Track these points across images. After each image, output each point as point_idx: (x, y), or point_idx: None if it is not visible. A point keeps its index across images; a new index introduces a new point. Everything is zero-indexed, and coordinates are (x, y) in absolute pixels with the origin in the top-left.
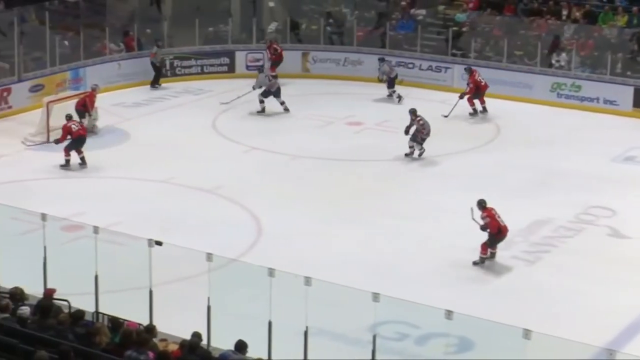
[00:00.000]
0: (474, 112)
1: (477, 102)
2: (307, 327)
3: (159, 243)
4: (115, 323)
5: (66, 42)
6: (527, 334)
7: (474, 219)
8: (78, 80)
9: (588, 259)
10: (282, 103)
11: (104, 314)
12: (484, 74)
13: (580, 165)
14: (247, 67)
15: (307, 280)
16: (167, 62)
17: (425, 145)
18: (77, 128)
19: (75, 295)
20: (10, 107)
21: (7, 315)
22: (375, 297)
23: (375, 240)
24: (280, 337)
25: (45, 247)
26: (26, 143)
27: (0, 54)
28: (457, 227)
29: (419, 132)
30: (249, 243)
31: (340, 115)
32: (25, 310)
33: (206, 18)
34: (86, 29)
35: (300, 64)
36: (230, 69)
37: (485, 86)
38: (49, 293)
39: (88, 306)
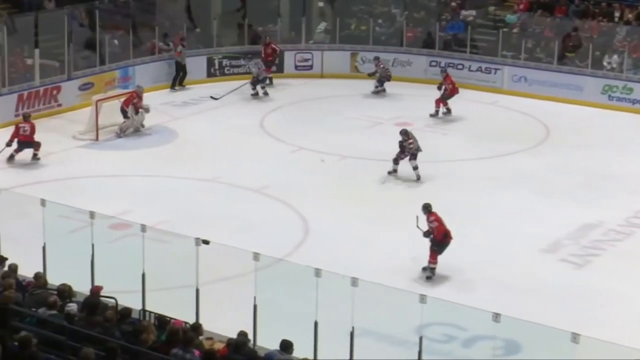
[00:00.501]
0: (435, 114)
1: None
2: (353, 328)
3: (206, 242)
4: (162, 321)
5: (116, 41)
6: (575, 337)
7: (418, 227)
8: (127, 79)
9: (638, 262)
10: (263, 87)
11: (150, 312)
12: (535, 76)
13: (631, 168)
14: (296, 67)
15: (354, 281)
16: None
17: (475, 146)
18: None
19: (123, 293)
20: (59, 105)
21: (55, 312)
22: (422, 298)
23: (422, 241)
24: (326, 337)
25: (93, 245)
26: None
27: (50, 52)
28: (505, 229)
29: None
30: (295, 243)
31: (388, 115)
32: (72, 307)
33: (256, 17)
34: (136, 28)
35: (349, 64)
36: (279, 68)
37: (456, 90)
38: (96, 290)
39: (135, 304)
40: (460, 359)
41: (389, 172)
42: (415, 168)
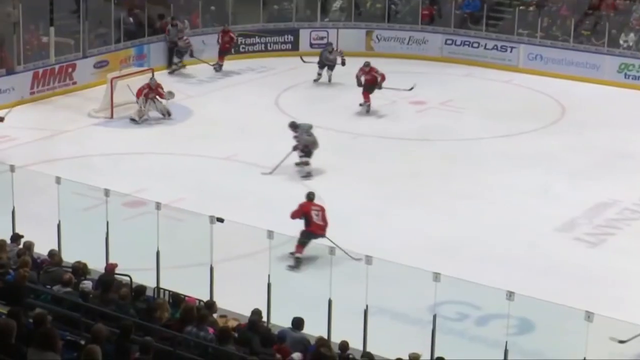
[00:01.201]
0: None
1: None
2: (367, 306)
3: (220, 220)
4: (176, 299)
5: (131, 19)
6: (588, 316)
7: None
8: (142, 57)
9: None
10: (177, 63)
11: (165, 290)
12: (551, 54)
13: None
14: (311, 45)
15: (368, 259)
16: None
17: (490, 125)
18: None
19: (137, 271)
20: (74, 83)
21: (69, 289)
22: (436, 276)
23: (437, 220)
24: (340, 315)
25: (107, 223)
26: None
27: (65, 30)
28: (520, 208)
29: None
30: None
31: (403, 94)
32: (87, 284)
33: None
34: (151, 6)
35: (364, 42)
36: (294, 46)
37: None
38: (110, 268)
39: (149, 282)
40: (474, 337)
41: (296, 164)
42: (300, 164)
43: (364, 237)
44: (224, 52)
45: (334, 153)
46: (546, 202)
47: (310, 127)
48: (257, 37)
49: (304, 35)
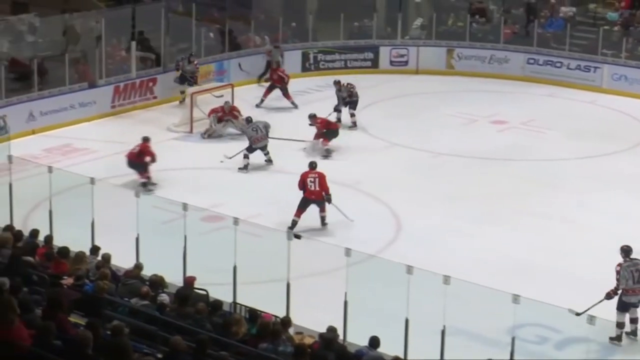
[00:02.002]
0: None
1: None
2: (444, 326)
3: (297, 236)
4: (253, 314)
5: (211, 34)
6: None
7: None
8: (222, 72)
9: None
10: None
11: (241, 305)
12: (636, 75)
13: None
14: (391, 62)
15: (446, 279)
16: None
17: (573, 145)
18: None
19: (214, 285)
20: (155, 98)
21: (147, 302)
22: (515, 298)
23: (517, 240)
24: (417, 335)
25: (185, 237)
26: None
27: (146, 44)
28: (601, 230)
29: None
30: (387, 239)
31: (484, 113)
32: (164, 297)
33: (351, 12)
34: (232, 21)
35: (444, 60)
36: (374, 64)
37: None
38: (189, 281)
39: (226, 297)
40: None
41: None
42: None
43: (442, 256)
44: (270, 88)
45: (413, 171)
46: (626, 225)
47: (266, 125)
48: (337, 54)
49: (384, 53)
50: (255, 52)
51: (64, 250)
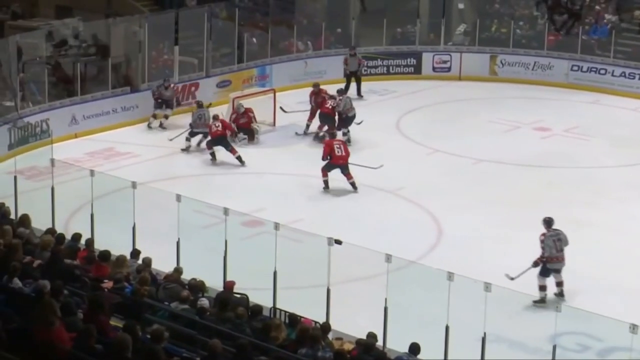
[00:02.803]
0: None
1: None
2: (485, 333)
3: (338, 242)
4: (293, 319)
5: (254, 39)
6: None
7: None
8: (264, 77)
9: None
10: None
11: (281, 310)
12: None
13: None
14: (434, 69)
15: (487, 286)
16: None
17: (616, 153)
18: (215, 129)
19: (254, 290)
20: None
21: (187, 306)
22: (557, 306)
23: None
24: (458, 342)
25: (226, 242)
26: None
27: (189, 49)
28: None
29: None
30: (428, 245)
31: (527, 120)
32: (205, 301)
33: (394, 18)
34: (274, 27)
35: (488, 67)
36: (417, 70)
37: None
38: (229, 286)
39: (266, 301)
40: None
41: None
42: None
43: (482, 263)
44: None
45: (455, 178)
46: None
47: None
48: (379, 60)
49: (427, 59)
50: (296, 57)
51: (105, 254)
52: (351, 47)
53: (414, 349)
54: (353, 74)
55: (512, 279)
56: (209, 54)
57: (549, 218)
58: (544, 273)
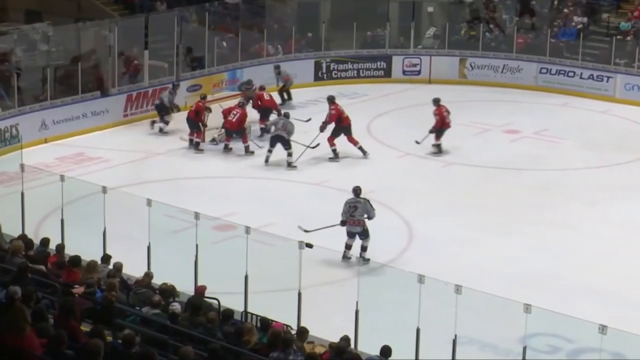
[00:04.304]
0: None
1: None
2: (455, 336)
3: (309, 245)
4: (264, 323)
5: (224, 43)
6: None
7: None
8: (235, 81)
9: None
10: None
11: (252, 314)
12: None
13: None
14: (404, 72)
15: (458, 288)
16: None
17: (586, 155)
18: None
19: (225, 294)
20: None
21: (158, 311)
22: (527, 308)
23: (529, 250)
24: (429, 344)
25: (197, 246)
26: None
27: (159, 53)
28: (614, 240)
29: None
30: (399, 248)
31: (497, 122)
32: (176, 306)
33: (364, 22)
34: (245, 31)
35: (457, 70)
36: (387, 73)
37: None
38: (200, 290)
39: (237, 306)
40: None
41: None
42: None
43: (453, 266)
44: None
45: (426, 181)
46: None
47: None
48: (349, 63)
49: (397, 62)
50: (267, 61)
51: (76, 259)
52: (275, 65)
53: (385, 351)
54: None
55: (307, 231)
56: (179, 58)
57: (357, 187)
58: (348, 234)
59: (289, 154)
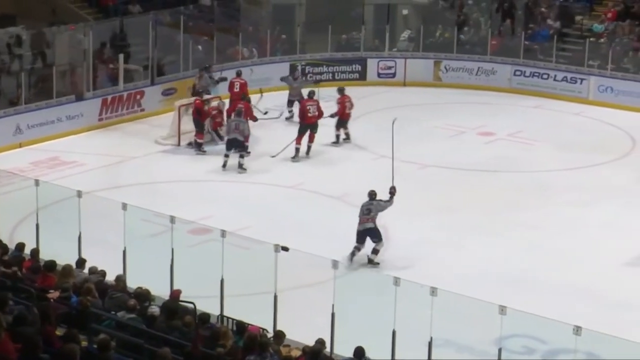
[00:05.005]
0: (337, 141)
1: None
2: (431, 338)
3: (285, 249)
4: (240, 327)
5: (199, 47)
6: None
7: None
8: None
9: None
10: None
11: (228, 318)
12: (621, 86)
13: None
14: (379, 74)
15: (433, 291)
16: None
17: (560, 157)
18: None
19: (201, 298)
20: (142, 110)
21: (134, 315)
22: (502, 309)
23: (505, 251)
24: (404, 346)
25: (172, 250)
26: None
27: (134, 57)
28: (589, 240)
29: None
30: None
31: (471, 125)
32: (155, 309)
33: (339, 25)
34: (220, 34)
35: (432, 72)
36: (362, 76)
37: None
38: (175, 295)
39: (213, 309)
40: None
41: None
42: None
43: (430, 268)
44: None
45: (400, 183)
46: (616, 236)
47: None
48: (324, 66)
49: (372, 65)
50: (241, 64)
51: (51, 264)
52: (204, 66)
53: (359, 353)
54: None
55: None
56: (154, 62)
57: (372, 191)
58: (358, 235)
59: (241, 156)
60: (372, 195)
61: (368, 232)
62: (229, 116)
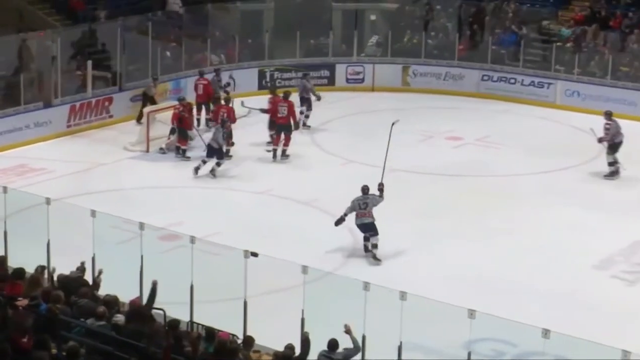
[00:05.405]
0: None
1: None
2: (401, 342)
3: (254, 254)
4: (210, 333)
5: (168, 53)
6: (625, 354)
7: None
8: (179, 91)
9: None
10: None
11: (198, 324)
12: (588, 90)
13: None
14: (347, 80)
15: (402, 295)
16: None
17: (528, 161)
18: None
19: (171, 305)
20: (111, 117)
21: (103, 322)
22: (471, 313)
23: (474, 255)
24: (374, 351)
25: (142, 256)
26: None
27: (102, 63)
28: (557, 244)
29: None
30: (344, 256)
31: (440, 129)
32: (120, 317)
33: (307, 30)
34: (188, 40)
35: (400, 77)
36: (330, 81)
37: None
38: (135, 303)
39: (183, 316)
40: None
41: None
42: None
43: (399, 272)
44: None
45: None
46: (583, 239)
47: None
48: (293, 72)
49: (340, 70)
50: (209, 71)
51: (19, 271)
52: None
53: (333, 345)
54: (149, 99)
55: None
56: (122, 68)
57: (365, 186)
58: (360, 228)
59: (217, 164)
60: (365, 190)
61: (366, 226)
62: (214, 121)
